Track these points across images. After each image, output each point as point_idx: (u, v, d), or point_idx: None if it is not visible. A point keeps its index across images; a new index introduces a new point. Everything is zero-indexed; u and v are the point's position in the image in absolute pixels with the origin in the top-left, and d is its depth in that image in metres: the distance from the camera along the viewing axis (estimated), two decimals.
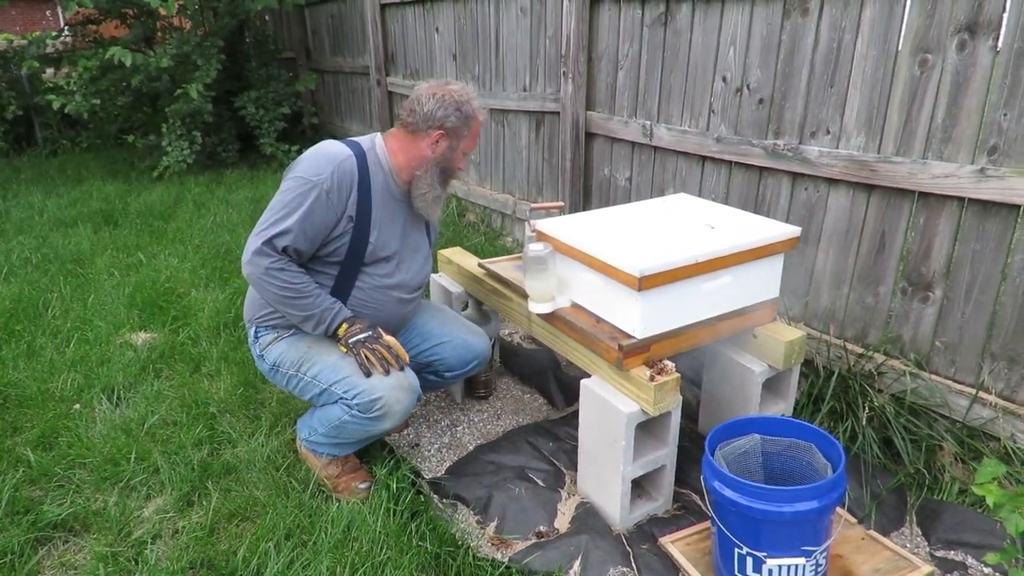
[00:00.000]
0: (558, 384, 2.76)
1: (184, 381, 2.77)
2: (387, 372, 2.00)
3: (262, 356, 2.18)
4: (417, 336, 2.35)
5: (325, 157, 2.01)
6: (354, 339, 2.02)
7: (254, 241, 1.95)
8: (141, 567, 1.89)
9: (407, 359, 2.08)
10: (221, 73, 6.06)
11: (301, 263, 2.02)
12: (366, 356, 2.01)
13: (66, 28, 7.44)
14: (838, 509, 1.78)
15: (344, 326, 2.03)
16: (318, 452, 2.19)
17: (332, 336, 2.05)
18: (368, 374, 2.00)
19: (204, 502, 2.12)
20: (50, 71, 7.62)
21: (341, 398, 2.03)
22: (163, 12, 5.89)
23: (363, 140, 2.14)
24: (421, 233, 2.25)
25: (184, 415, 2.53)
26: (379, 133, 2.18)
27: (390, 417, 2.02)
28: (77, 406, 2.63)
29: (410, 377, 2.06)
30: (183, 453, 2.31)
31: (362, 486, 2.15)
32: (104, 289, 3.65)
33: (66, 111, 5.92)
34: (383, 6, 5.36)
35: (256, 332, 2.19)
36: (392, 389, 2.00)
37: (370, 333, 2.04)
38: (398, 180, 2.12)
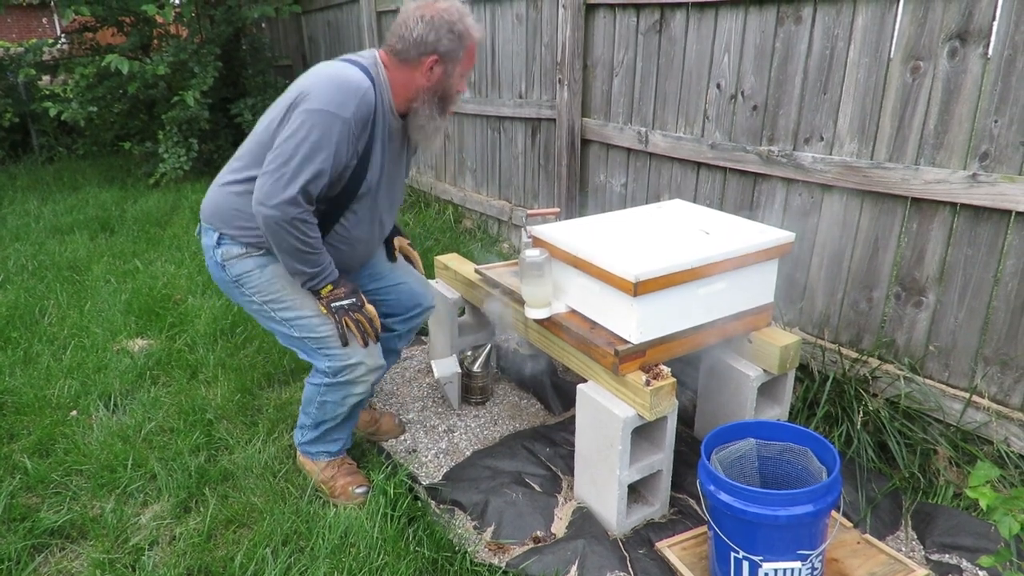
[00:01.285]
0: (555, 389, 2.76)
1: (181, 388, 2.78)
2: (366, 344, 1.99)
3: (223, 266, 2.01)
4: (368, 277, 2.28)
5: (347, 87, 1.82)
6: (337, 304, 1.95)
7: (283, 187, 1.78)
8: (138, 573, 1.89)
9: (379, 330, 2.05)
10: (218, 80, 6.08)
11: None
12: (347, 324, 1.97)
13: (63, 35, 7.45)
14: (833, 513, 1.79)
15: (329, 286, 1.95)
16: (313, 455, 2.20)
17: (313, 292, 1.96)
18: (346, 343, 1.98)
19: (201, 508, 2.12)
20: (46, 78, 7.64)
21: (314, 354, 2.01)
22: (160, 20, 5.92)
23: (367, 61, 1.93)
24: (403, 162, 2.12)
25: (181, 422, 2.53)
26: (377, 50, 1.99)
27: (362, 383, 2.03)
28: (74, 413, 2.63)
29: (378, 351, 2.06)
30: (180, 459, 2.32)
31: (359, 490, 2.15)
32: (101, 296, 3.65)
33: (63, 118, 5.93)
34: (379, 13, 5.38)
35: (219, 239, 2.01)
36: (366, 356, 2.01)
37: (354, 300, 1.97)
38: (395, 111, 1.97)
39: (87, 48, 7.05)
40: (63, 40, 7.38)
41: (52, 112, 5.79)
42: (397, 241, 2.41)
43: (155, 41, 6.67)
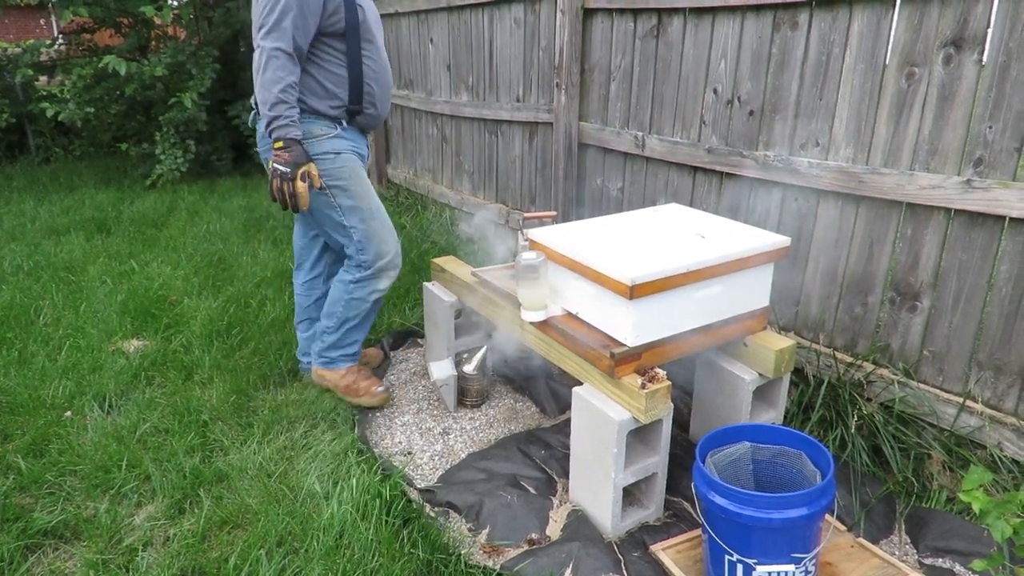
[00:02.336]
0: (550, 392, 2.77)
1: (176, 388, 2.77)
2: (284, 208, 2.25)
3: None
4: None
5: None
6: (276, 165, 2.21)
7: (268, 31, 2.16)
8: (132, 574, 1.88)
9: (305, 208, 2.29)
10: (215, 82, 6.08)
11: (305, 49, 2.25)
12: (275, 187, 2.23)
13: (60, 36, 7.45)
14: (827, 516, 1.80)
15: (280, 143, 2.19)
16: (333, 362, 2.52)
17: (271, 139, 2.22)
18: (274, 200, 2.25)
19: (195, 509, 2.12)
20: (44, 79, 7.63)
21: (356, 244, 2.43)
22: (158, 21, 5.92)
23: None
24: (380, 18, 2.48)
25: (176, 422, 2.53)
26: None
27: (387, 277, 2.52)
28: (68, 413, 2.62)
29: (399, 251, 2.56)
30: (175, 460, 2.31)
31: (379, 389, 2.53)
32: (96, 296, 3.65)
33: (60, 119, 5.93)
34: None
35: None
36: (395, 255, 2.52)
37: (288, 170, 2.20)
38: None
39: (85, 49, 7.05)
40: (61, 41, 7.37)
41: (49, 113, 5.78)
42: None
43: (153, 42, 6.67)
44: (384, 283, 2.55)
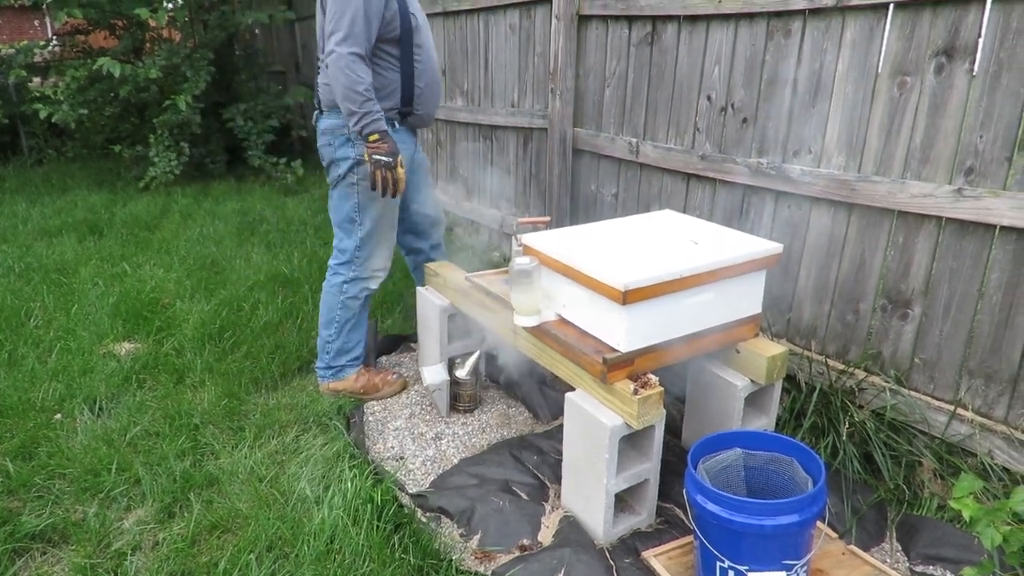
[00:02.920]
0: (543, 398, 2.76)
1: (167, 392, 2.76)
2: (384, 194, 2.43)
3: (351, 142, 2.52)
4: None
5: None
6: (377, 156, 2.38)
7: (339, 38, 2.31)
8: None
9: (402, 191, 2.51)
10: (210, 85, 6.08)
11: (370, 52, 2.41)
12: (379, 177, 2.40)
13: (54, 38, 7.43)
14: (818, 523, 1.80)
15: (375, 136, 2.36)
16: (343, 373, 2.71)
17: (363, 138, 2.39)
18: (374, 187, 2.42)
19: (185, 513, 2.11)
20: (37, 80, 7.60)
21: (353, 234, 2.60)
22: (153, 24, 5.91)
23: None
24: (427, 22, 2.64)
25: (167, 426, 2.52)
26: None
27: (375, 279, 2.70)
28: (58, 416, 2.60)
29: (388, 259, 2.72)
30: (165, 464, 2.30)
31: (394, 377, 2.77)
32: (88, 299, 3.63)
33: (53, 120, 5.91)
34: None
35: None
36: (389, 260, 2.71)
37: (390, 160, 2.39)
38: None
39: (79, 51, 7.03)
40: (55, 42, 7.36)
41: (42, 114, 5.76)
42: None
43: (148, 45, 6.66)
44: (374, 284, 2.71)
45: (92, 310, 3.50)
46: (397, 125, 2.59)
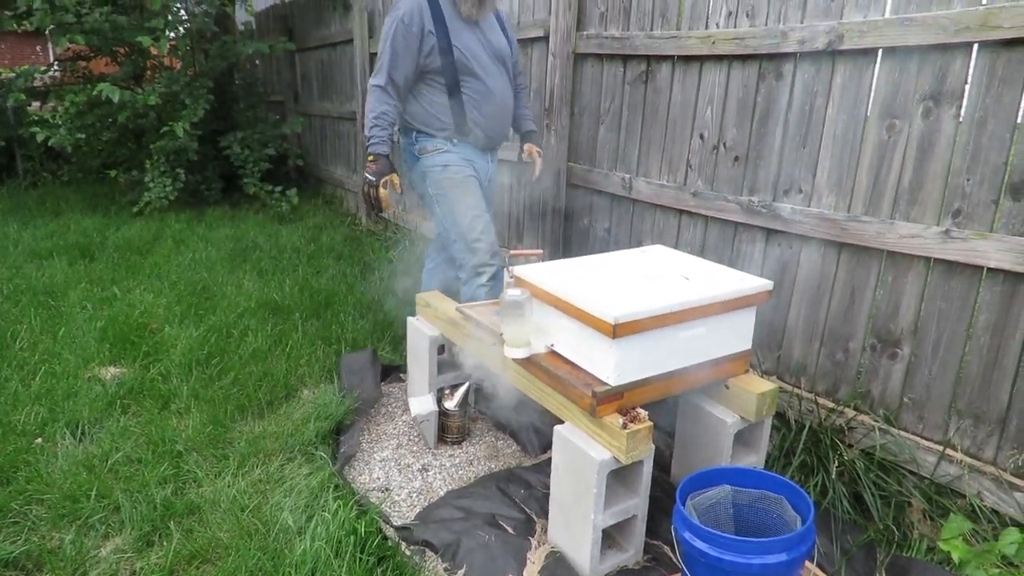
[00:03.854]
0: (532, 430, 2.74)
1: (152, 418, 2.72)
2: (368, 215, 2.67)
3: (418, 158, 2.88)
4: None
5: None
6: (366, 174, 2.71)
7: (375, 73, 2.72)
8: None
9: (388, 209, 2.80)
10: (208, 113, 6.12)
11: (408, 86, 2.75)
12: (364, 191, 2.74)
13: (55, 63, 7.50)
14: (808, 564, 1.78)
15: (372, 156, 2.69)
16: None
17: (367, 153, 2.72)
18: (365, 201, 2.76)
19: (164, 543, 2.06)
20: (36, 104, 7.64)
21: (455, 244, 2.87)
22: (155, 51, 5.97)
23: None
24: (500, 56, 2.85)
25: (149, 452, 2.48)
26: None
27: (486, 272, 2.84)
28: (39, 440, 2.56)
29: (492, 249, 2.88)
30: (146, 491, 2.26)
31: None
32: (75, 322, 3.60)
33: (50, 144, 5.92)
34: (372, 55, 5.47)
35: (416, 136, 2.87)
36: (489, 252, 2.85)
37: (373, 179, 2.69)
38: None
39: (79, 76, 7.08)
40: (56, 67, 7.41)
41: (40, 137, 5.77)
42: (528, 146, 3.15)
43: (148, 72, 6.72)
44: (483, 278, 2.86)
45: (79, 333, 3.46)
46: (455, 142, 2.85)
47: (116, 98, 5.47)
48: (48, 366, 3.10)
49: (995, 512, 2.05)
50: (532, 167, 3.18)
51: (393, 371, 3.29)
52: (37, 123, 6.18)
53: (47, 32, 5.97)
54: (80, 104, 5.88)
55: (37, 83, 6.96)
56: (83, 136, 6.01)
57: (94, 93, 5.55)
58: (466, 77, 2.76)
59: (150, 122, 6.12)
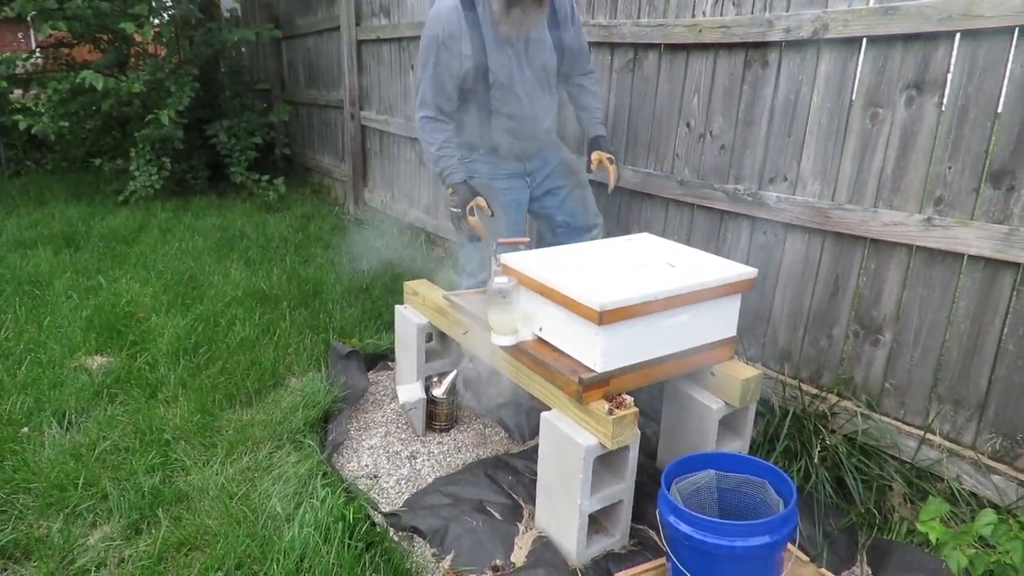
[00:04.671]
0: (520, 417, 2.75)
1: (139, 407, 2.72)
2: (470, 240, 2.59)
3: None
4: (547, 194, 2.90)
5: (431, 15, 2.49)
6: (450, 208, 2.58)
7: (417, 102, 2.59)
8: None
9: (482, 239, 2.60)
10: (194, 101, 6.06)
11: (454, 104, 2.60)
12: (455, 227, 2.62)
13: (38, 50, 7.39)
14: (790, 546, 1.81)
15: (450, 189, 2.55)
16: None
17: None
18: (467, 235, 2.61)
19: (153, 530, 2.07)
20: (19, 92, 7.54)
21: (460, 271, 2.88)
22: (138, 39, 5.90)
23: None
24: (539, 76, 2.64)
25: (137, 441, 2.48)
26: None
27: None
28: (25, 429, 2.56)
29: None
30: (133, 480, 2.26)
31: None
32: (61, 311, 3.58)
33: (33, 132, 5.85)
34: (360, 42, 5.44)
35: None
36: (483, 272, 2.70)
37: (459, 211, 2.53)
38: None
39: (62, 63, 6.99)
40: (38, 54, 7.31)
41: (22, 125, 5.70)
42: (595, 155, 2.75)
43: (132, 59, 6.64)
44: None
45: (65, 323, 3.45)
46: (483, 151, 2.73)
47: (100, 86, 5.40)
48: (34, 355, 3.09)
49: (973, 495, 2.09)
50: (609, 176, 2.77)
51: (380, 359, 3.30)
52: (19, 111, 6.10)
53: (29, 18, 5.88)
54: (63, 92, 5.81)
55: (19, 70, 6.86)
56: (66, 124, 5.94)
57: (77, 81, 5.48)
58: (500, 99, 2.60)
59: (135, 110, 6.06)
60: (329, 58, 6.13)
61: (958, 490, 2.11)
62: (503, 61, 2.54)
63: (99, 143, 6.82)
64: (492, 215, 2.59)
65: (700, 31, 2.66)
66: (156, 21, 6.27)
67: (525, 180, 2.83)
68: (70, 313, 3.56)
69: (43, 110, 5.88)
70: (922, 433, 2.21)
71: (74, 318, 3.49)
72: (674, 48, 2.83)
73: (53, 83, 5.81)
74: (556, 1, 2.59)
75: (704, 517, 1.65)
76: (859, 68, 2.26)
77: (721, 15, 2.62)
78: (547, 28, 2.61)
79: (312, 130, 6.87)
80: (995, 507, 2.00)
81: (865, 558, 2.08)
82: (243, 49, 7.84)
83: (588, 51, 2.83)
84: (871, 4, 2.18)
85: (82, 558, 1.96)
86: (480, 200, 2.54)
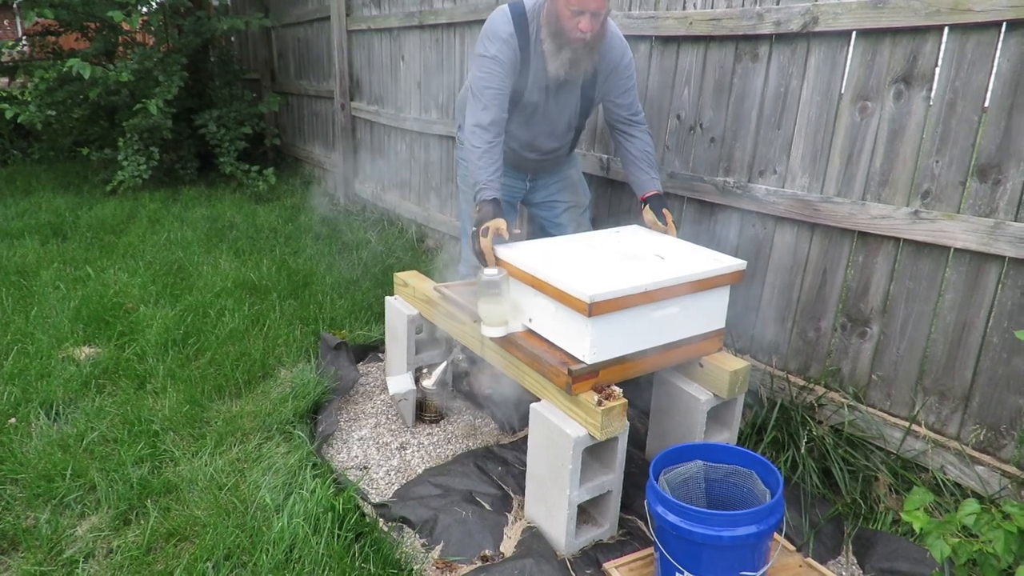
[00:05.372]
0: (509, 408, 2.76)
1: (128, 398, 2.71)
2: (475, 256, 2.39)
3: (461, 143, 2.78)
4: (545, 207, 2.93)
5: (486, 32, 2.42)
6: (472, 225, 2.44)
7: (468, 118, 2.46)
8: None
9: (492, 264, 2.33)
10: (183, 90, 6.01)
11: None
12: (471, 245, 2.48)
13: (24, 38, 7.31)
14: (776, 536, 1.83)
15: (477, 208, 2.39)
16: None
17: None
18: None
19: (141, 521, 2.06)
20: (4, 80, 7.46)
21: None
22: (126, 27, 5.84)
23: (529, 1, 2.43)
24: (567, 107, 2.58)
25: (126, 432, 2.47)
26: None
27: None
28: (12, 420, 2.54)
29: None
30: (122, 471, 2.26)
31: None
32: (48, 302, 3.56)
33: (19, 121, 5.79)
34: (350, 32, 5.41)
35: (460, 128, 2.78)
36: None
37: (475, 230, 2.36)
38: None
39: (49, 51, 6.91)
40: (24, 42, 7.23)
41: (8, 114, 5.64)
42: (649, 217, 2.55)
43: (120, 48, 6.58)
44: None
45: (52, 313, 3.42)
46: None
47: (87, 74, 5.35)
48: (21, 346, 3.07)
49: (957, 485, 2.12)
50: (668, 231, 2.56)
51: (371, 350, 3.30)
52: (5, 100, 6.04)
53: (15, 5, 5.82)
54: (50, 80, 5.75)
55: (5, 58, 6.79)
56: (53, 113, 5.89)
57: (64, 69, 5.43)
58: (518, 121, 2.57)
59: (123, 99, 6.01)
60: (319, 48, 6.09)
61: (943, 480, 2.13)
62: (536, 91, 2.50)
63: (87, 132, 6.76)
64: (508, 240, 2.38)
65: (691, 23, 2.66)
66: (144, 9, 6.21)
67: (524, 179, 2.83)
68: (58, 304, 3.54)
69: (30, 99, 5.83)
70: (908, 424, 2.23)
71: (62, 309, 3.47)
72: (665, 40, 2.83)
73: (40, 71, 5.75)
74: (607, 49, 2.47)
75: (692, 507, 1.66)
76: (848, 62, 2.27)
77: (712, 8, 2.62)
78: (582, 81, 2.52)
79: (302, 120, 6.83)
80: (978, 497, 2.03)
81: (851, 548, 2.10)
82: (232, 38, 7.78)
83: (637, 100, 2.63)
84: None
85: (70, 549, 1.96)
86: (499, 223, 2.30)
